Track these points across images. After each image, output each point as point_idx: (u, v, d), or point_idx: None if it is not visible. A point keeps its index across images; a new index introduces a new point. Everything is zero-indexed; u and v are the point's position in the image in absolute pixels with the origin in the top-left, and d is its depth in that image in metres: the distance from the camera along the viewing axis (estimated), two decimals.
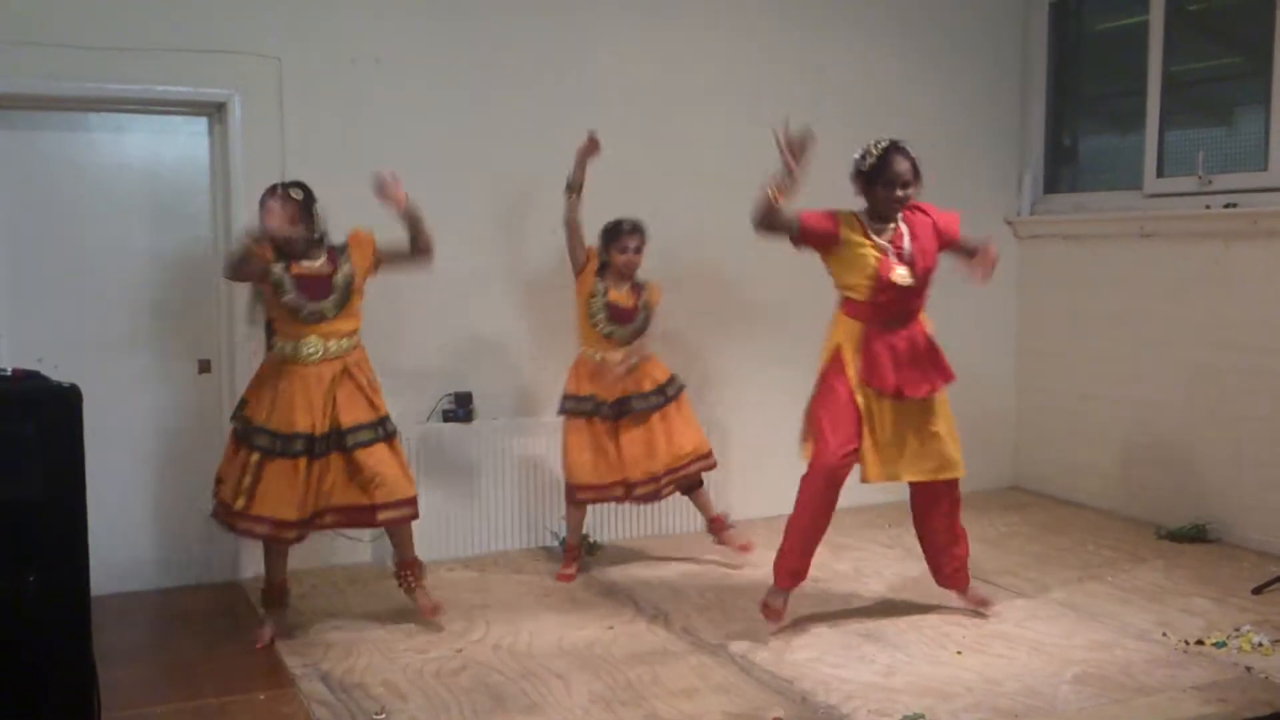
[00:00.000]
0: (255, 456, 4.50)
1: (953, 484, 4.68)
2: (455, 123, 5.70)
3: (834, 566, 5.41)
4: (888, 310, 4.47)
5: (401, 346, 5.49)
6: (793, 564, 4.63)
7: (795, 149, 4.26)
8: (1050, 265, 6.95)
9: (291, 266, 4.51)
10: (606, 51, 6.00)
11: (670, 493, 5.45)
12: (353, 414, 4.59)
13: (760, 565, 5.42)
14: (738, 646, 4.51)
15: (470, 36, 5.72)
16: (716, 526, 5.59)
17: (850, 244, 4.46)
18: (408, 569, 4.84)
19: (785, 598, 4.65)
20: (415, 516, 4.76)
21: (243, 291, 5.31)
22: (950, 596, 4.90)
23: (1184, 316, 6.09)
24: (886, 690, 4.09)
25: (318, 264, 4.57)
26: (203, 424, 5.44)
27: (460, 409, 5.71)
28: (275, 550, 4.68)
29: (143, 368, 5.34)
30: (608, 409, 5.28)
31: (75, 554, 3.50)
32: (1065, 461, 6.86)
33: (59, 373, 3.65)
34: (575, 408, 5.31)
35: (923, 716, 3.86)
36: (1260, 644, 4.42)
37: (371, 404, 4.65)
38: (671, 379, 5.44)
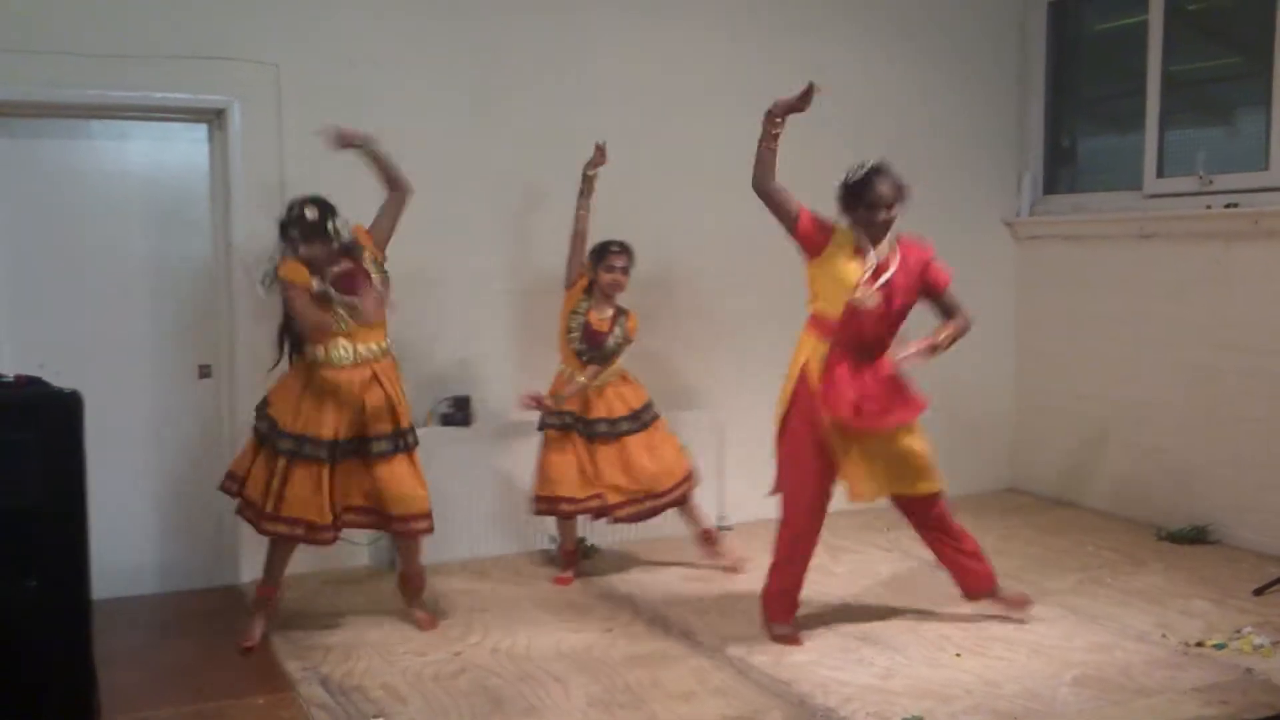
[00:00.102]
0: (282, 460, 4.55)
1: (935, 497, 4.65)
2: (454, 126, 5.71)
3: (832, 569, 5.41)
4: (856, 335, 4.45)
5: (400, 349, 5.46)
6: (790, 601, 4.66)
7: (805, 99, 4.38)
8: (1049, 266, 6.95)
9: (324, 280, 4.58)
10: (606, 53, 6.01)
11: (654, 515, 5.45)
12: (376, 424, 4.64)
13: (759, 568, 5.42)
14: (736, 649, 4.51)
15: (468, 40, 5.74)
16: (705, 540, 5.59)
17: (836, 258, 4.46)
18: (411, 581, 4.86)
19: (791, 625, 4.67)
20: (429, 531, 4.79)
21: (243, 299, 5.33)
22: (954, 600, 4.86)
23: (1184, 317, 6.09)
24: (885, 693, 4.10)
25: (340, 268, 4.63)
26: (203, 429, 5.46)
27: (459, 413, 5.72)
28: (284, 554, 4.71)
29: (144, 373, 5.35)
30: (582, 426, 5.32)
31: (76, 559, 3.53)
32: (1064, 463, 6.86)
33: (60, 379, 3.67)
34: (555, 422, 5.33)
35: (921, 719, 3.86)
36: (1260, 646, 4.42)
37: (395, 414, 4.69)
38: (646, 405, 5.45)
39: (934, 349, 4.45)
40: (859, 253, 4.45)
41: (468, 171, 5.71)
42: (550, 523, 5.64)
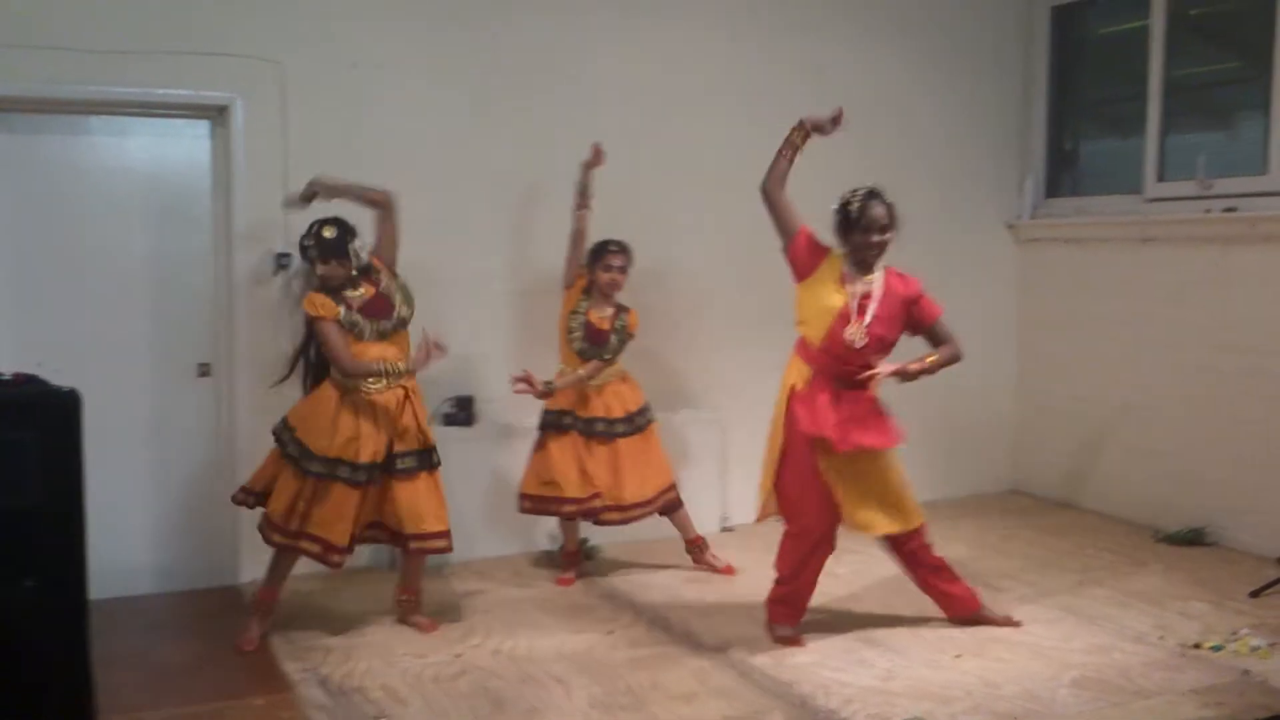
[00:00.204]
0: (311, 481, 4.56)
1: (911, 534, 4.65)
2: (456, 125, 5.70)
3: (833, 571, 5.36)
4: (838, 364, 4.46)
5: None
6: (797, 609, 4.66)
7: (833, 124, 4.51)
8: (1051, 268, 6.95)
9: (350, 304, 4.60)
10: (605, 53, 6.01)
11: (636, 520, 5.46)
12: (404, 441, 4.67)
13: (759, 570, 5.41)
14: (737, 651, 4.51)
15: (470, 40, 5.73)
16: (695, 548, 5.60)
17: (823, 283, 4.48)
18: (408, 594, 4.86)
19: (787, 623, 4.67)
20: (447, 549, 4.81)
21: (242, 297, 5.33)
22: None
23: (1184, 320, 6.10)
24: (886, 694, 4.10)
25: (361, 291, 4.64)
26: (202, 428, 5.45)
27: (461, 413, 5.71)
28: (290, 562, 4.71)
29: (143, 372, 5.34)
30: (580, 424, 5.32)
31: (74, 559, 3.51)
32: (1065, 465, 6.86)
33: (59, 377, 3.65)
34: (554, 422, 5.33)
35: None
36: (1258, 647, 4.43)
37: (422, 432, 4.71)
38: (643, 409, 5.45)
39: (905, 372, 4.44)
40: (843, 281, 4.47)
41: (468, 171, 5.71)
42: (552, 523, 5.64)
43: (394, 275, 4.74)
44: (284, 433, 4.66)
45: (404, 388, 4.69)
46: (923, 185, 6.42)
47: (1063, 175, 7.13)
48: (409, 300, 4.73)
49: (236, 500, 4.78)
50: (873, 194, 4.48)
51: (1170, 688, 4.12)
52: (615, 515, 5.38)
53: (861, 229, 4.44)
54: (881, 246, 4.48)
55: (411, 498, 4.67)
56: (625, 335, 5.37)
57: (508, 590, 5.32)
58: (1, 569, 3.37)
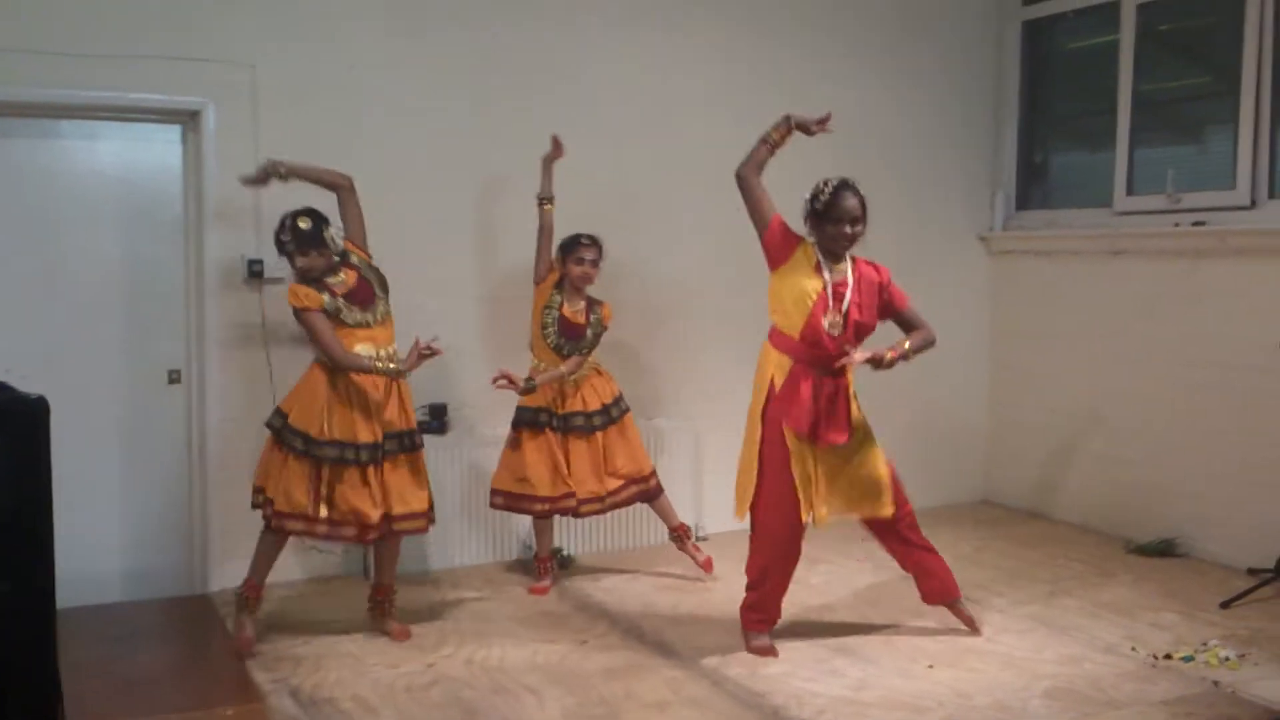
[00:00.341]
0: (326, 467, 4.55)
1: (895, 518, 4.65)
2: (431, 130, 5.69)
3: (807, 580, 5.40)
4: (817, 353, 4.45)
5: None
6: (769, 614, 4.65)
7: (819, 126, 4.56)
8: (1022, 280, 6.99)
9: (334, 292, 4.59)
10: (586, 63, 6.01)
11: (622, 506, 5.48)
12: (392, 423, 4.67)
13: (733, 579, 5.42)
14: (711, 661, 4.51)
15: (446, 44, 5.72)
16: (679, 535, 5.60)
17: (797, 271, 4.47)
18: (383, 594, 4.84)
19: (767, 635, 4.66)
20: (425, 529, 4.84)
21: (214, 303, 5.30)
22: (927, 612, 4.89)
23: (1154, 332, 6.15)
24: (858, 704, 4.10)
25: (343, 277, 4.64)
26: (173, 435, 5.40)
27: (435, 420, 5.69)
28: (276, 550, 4.70)
29: (112, 378, 5.29)
30: (557, 421, 5.31)
31: (41, 566, 3.46)
32: (1036, 476, 6.89)
33: (27, 384, 3.60)
34: (529, 420, 5.32)
35: None
36: (1227, 658, 4.46)
37: (406, 414, 4.74)
38: (617, 400, 5.46)
39: (880, 359, 4.41)
40: (818, 271, 4.47)
41: (441, 178, 5.69)
42: (527, 531, 5.62)
43: (368, 257, 4.75)
44: (282, 424, 4.61)
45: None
46: (895, 197, 6.45)
47: (1033, 188, 7.18)
48: (383, 285, 4.73)
49: (257, 505, 4.70)
50: (845, 184, 4.48)
51: (1141, 698, 4.14)
52: (595, 506, 5.36)
53: (833, 220, 4.44)
54: (853, 239, 4.49)
55: (391, 478, 4.65)
56: (600, 328, 5.37)
57: (481, 599, 5.30)
58: None
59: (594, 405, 5.37)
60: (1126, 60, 6.37)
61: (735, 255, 5.66)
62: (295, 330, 4.77)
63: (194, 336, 5.37)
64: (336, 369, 4.59)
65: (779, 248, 4.50)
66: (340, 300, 4.59)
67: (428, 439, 5.54)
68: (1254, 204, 5.77)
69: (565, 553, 5.78)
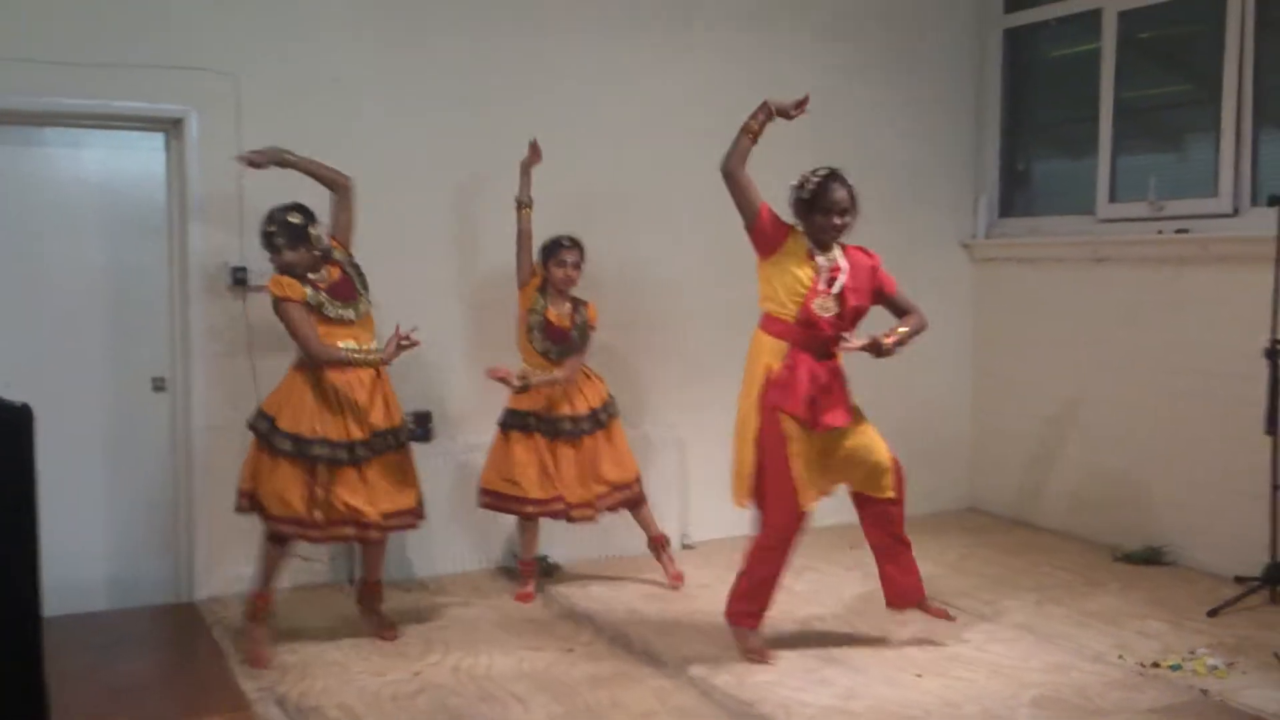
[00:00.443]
0: (320, 467, 4.53)
1: (892, 501, 4.65)
2: (413, 139, 5.68)
3: (794, 588, 5.40)
4: (814, 337, 4.46)
5: None
6: (760, 605, 4.63)
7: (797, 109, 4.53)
8: (1005, 288, 7.02)
9: (317, 286, 4.60)
10: (566, 73, 6.00)
11: (609, 511, 5.47)
12: (380, 422, 4.67)
13: (721, 587, 5.41)
14: (698, 669, 4.50)
15: (431, 53, 5.71)
16: (656, 545, 5.60)
17: (790, 259, 4.46)
18: (371, 591, 4.81)
19: (760, 635, 4.65)
20: (415, 526, 4.87)
21: (198, 311, 5.28)
22: (909, 619, 4.89)
23: (1137, 340, 6.17)
24: (846, 713, 4.10)
25: (325, 273, 4.65)
26: (158, 443, 5.38)
27: (419, 428, 5.66)
28: (281, 560, 4.67)
29: (97, 386, 5.27)
30: (544, 425, 5.30)
31: (26, 575, 3.44)
32: (1022, 484, 6.91)
33: (11, 391, 3.58)
34: (518, 423, 5.31)
35: None
36: (1215, 667, 4.47)
37: (393, 412, 4.74)
38: (606, 404, 5.45)
39: (879, 345, 4.42)
40: (810, 257, 4.47)
41: (424, 188, 5.68)
42: (513, 539, 5.61)
43: (350, 255, 4.75)
44: (268, 427, 4.57)
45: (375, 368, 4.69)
46: (878, 204, 6.40)
47: (1016, 195, 7.21)
48: (364, 283, 4.74)
49: (241, 509, 4.67)
50: (833, 174, 4.48)
51: (1128, 707, 4.14)
52: (586, 512, 5.35)
53: (822, 210, 4.44)
54: (842, 229, 4.49)
55: (387, 477, 4.67)
56: (586, 329, 5.36)
57: (467, 607, 5.28)
58: None
59: (581, 409, 5.36)
60: (1108, 68, 6.41)
61: (724, 260, 5.67)
62: (280, 336, 4.74)
63: (178, 343, 5.35)
64: (315, 362, 4.57)
65: (769, 237, 4.48)
66: (323, 294, 4.59)
67: (413, 447, 5.55)
68: (1236, 211, 5.81)
69: (550, 560, 5.76)
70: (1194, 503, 5.89)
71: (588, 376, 5.46)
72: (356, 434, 4.58)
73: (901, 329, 4.54)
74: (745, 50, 6.41)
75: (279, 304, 4.55)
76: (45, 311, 5.16)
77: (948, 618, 4.83)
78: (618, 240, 5.98)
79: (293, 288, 4.54)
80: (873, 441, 4.60)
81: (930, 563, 5.92)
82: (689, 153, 6.05)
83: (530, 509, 5.30)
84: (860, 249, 4.61)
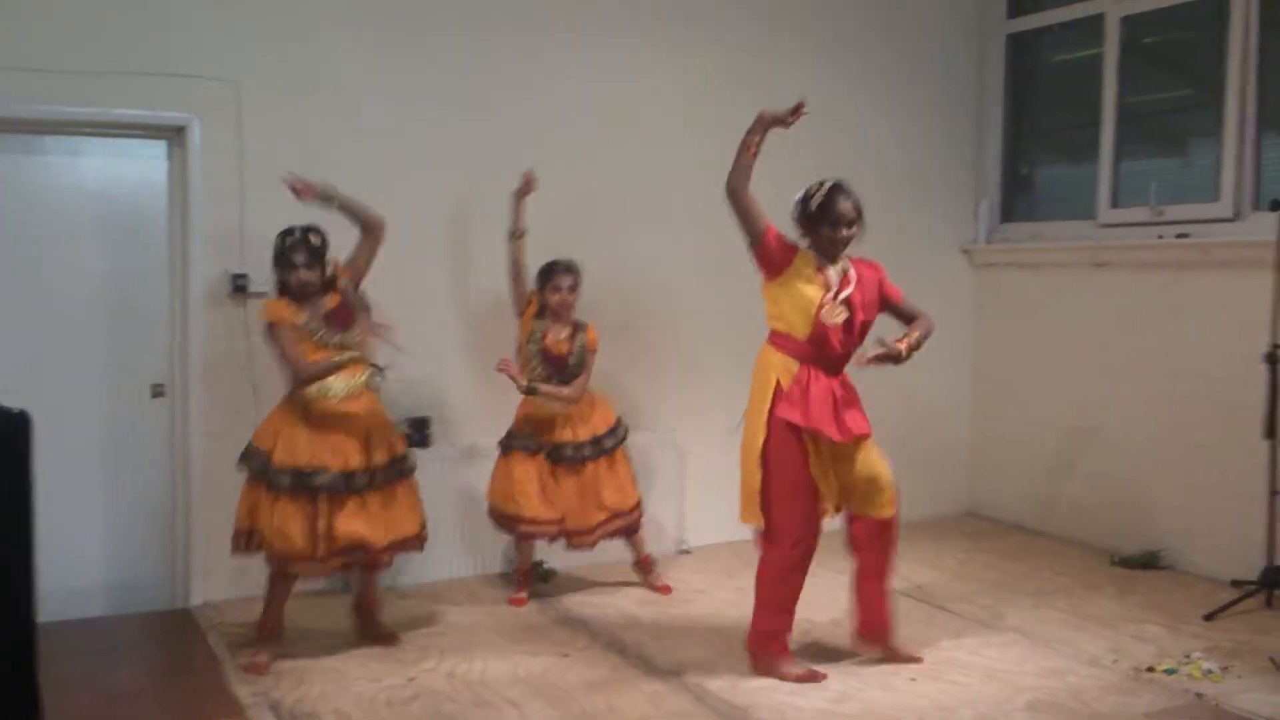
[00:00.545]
0: (321, 499, 4.52)
1: (889, 522, 4.61)
2: (415, 147, 5.69)
3: None
4: (826, 352, 4.44)
5: None
6: (786, 628, 4.56)
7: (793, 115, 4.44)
8: (1006, 293, 7.02)
9: (316, 309, 4.60)
10: (566, 74, 6.01)
11: (606, 539, 5.47)
12: (378, 453, 4.65)
13: (717, 593, 5.43)
14: (693, 674, 4.50)
15: (433, 58, 5.72)
16: (643, 566, 5.61)
17: (798, 279, 4.44)
18: (369, 608, 4.85)
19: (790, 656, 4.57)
20: (418, 549, 4.89)
21: (198, 318, 5.30)
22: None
23: (1138, 344, 6.16)
24: (840, 717, 4.10)
25: (327, 298, 4.64)
26: (156, 450, 5.39)
27: (417, 434, 5.68)
28: (288, 584, 4.66)
29: (95, 393, 5.28)
30: (549, 450, 5.31)
31: (22, 581, 3.46)
32: (1020, 488, 6.90)
33: (9, 398, 3.60)
34: (521, 444, 5.31)
35: None
36: (1210, 671, 4.47)
37: (390, 440, 4.73)
38: (612, 430, 5.45)
39: (896, 354, 4.42)
40: (819, 273, 4.46)
41: (426, 195, 5.68)
42: (508, 544, 5.61)
43: (356, 289, 4.74)
44: (257, 460, 4.55)
45: (368, 396, 4.67)
46: (879, 210, 6.35)
47: (1017, 200, 7.21)
48: (366, 305, 4.75)
49: (238, 550, 4.63)
50: (838, 187, 4.46)
51: (1124, 711, 4.14)
52: (585, 539, 5.36)
53: (830, 223, 4.42)
54: (848, 241, 4.48)
55: (391, 506, 4.66)
56: (584, 353, 5.35)
57: (462, 612, 5.29)
58: None
59: (583, 436, 5.36)
60: (1110, 73, 6.41)
61: (720, 268, 5.68)
62: None
63: (177, 351, 5.36)
64: (305, 382, 4.55)
65: (776, 261, 4.44)
66: (320, 320, 4.58)
67: (411, 453, 5.57)
68: (1237, 216, 5.81)
69: (547, 566, 5.77)
70: (1192, 506, 5.88)
71: (593, 403, 5.45)
72: (355, 463, 4.56)
73: (915, 334, 4.54)
74: (745, 51, 6.42)
75: (271, 328, 4.55)
76: (45, 318, 5.17)
77: (917, 658, 4.69)
78: (616, 240, 6.00)
79: (287, 310, 4.54)
80: (877, 460, 4.58)
81: (929, 568, 5.94)
82: (688, 153, 6.09)
83: (526, 529, 5.28)
84: (865, 261, 4.60)
